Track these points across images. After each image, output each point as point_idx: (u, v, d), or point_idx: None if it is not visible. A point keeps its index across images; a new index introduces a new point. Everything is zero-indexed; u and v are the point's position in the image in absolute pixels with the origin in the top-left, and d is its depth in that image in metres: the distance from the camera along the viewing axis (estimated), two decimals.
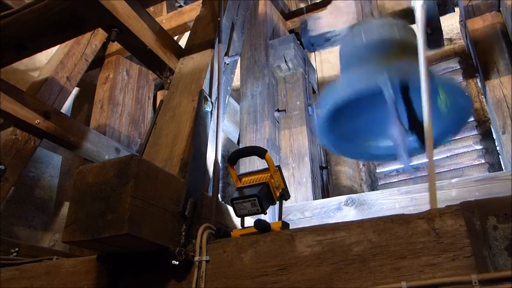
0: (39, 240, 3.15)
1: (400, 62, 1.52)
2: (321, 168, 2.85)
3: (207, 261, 1.25)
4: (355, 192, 2.90)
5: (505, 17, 2.38)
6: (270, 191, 1.45)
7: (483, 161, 3.05)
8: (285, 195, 1.49)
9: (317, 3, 3.35)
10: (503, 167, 2.51)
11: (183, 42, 2.31)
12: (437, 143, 1.65)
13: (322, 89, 3.14)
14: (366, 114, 1.68)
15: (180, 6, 3.81)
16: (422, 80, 1.29)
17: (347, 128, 1.73)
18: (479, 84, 3.20)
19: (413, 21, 1.78)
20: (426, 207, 1.11)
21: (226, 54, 2.16)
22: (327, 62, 3.58)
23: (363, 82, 1.51)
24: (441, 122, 1.53)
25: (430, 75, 1.34)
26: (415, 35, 1.64)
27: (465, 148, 3.16)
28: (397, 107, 1.51)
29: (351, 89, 1.49)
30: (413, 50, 1.49)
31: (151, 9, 3.82)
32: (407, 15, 1.92)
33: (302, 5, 3.61)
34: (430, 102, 1.26)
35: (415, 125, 1.60)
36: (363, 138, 1.79)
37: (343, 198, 2.19)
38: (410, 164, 1.66)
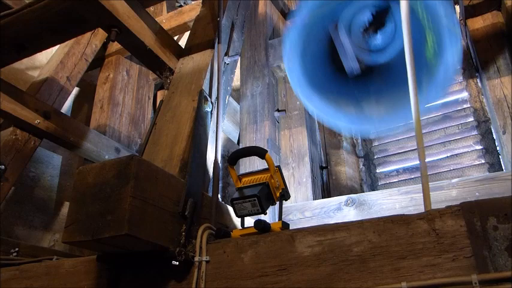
0: (39, 240, 3.15)
1: None
2: (321, 168, 2.85)
3: (207, 262, 1.25)
4: (355, 192, 2.90)
5: (505, 17, 2.38)
6: (270, 191, 1.45)
7: (483, 161, 3.05)
8: (285, 195, 1.48)
9: None
10: (503, 167, 2.51)
11: (183, 42, 2.31)
12: (439, 93, 1.61)
13: None
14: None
15: (180, 6, 3.81)
16: (410, 81, 1.28)
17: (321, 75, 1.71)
18: (479, 84, 3.20)
19: None
20: None
21: (226, 54, 2.16)
22: None
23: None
24: (434, 72, 1.49)
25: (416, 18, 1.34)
26: None
27: (465, 148, 3.16)
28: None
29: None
30: None
31: (151, 9, 3.82)
32: None
33: None
34: (416, 56, 1.26)
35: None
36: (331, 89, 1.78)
37: (343, 198, 2.19)
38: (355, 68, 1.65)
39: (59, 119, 2.76)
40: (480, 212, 0.99)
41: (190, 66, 2.03)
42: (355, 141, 3.76)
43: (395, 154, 3.47)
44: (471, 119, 3.22)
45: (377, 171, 3.52)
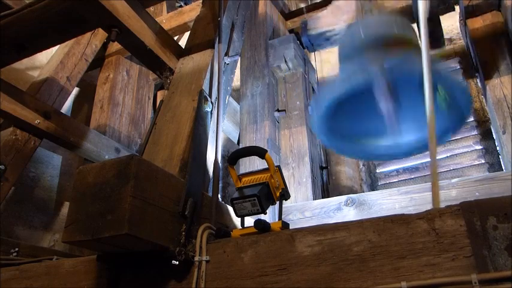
0: (39, 240, 3.15)
1: (398, 56, 1.51)
2: (321, 168, 2.85)
3: (207, 261, 1.25)
4: (355, 192, 2.90)
5: (505, 17, 2.38)
6: (270, 191, 1.45)
7: (483, 161, 3.05)
8: (285, 195, 1.48)
9: (317, 3, 3.35)
10: (503, 167, 2.51)
11: (183, 42, 2.31)
12: (437, 142, 1.64)
13: (320, 87, 3.15)
14: (365, 112, 1.68)
15: (180, 6, 3.80)
16: (425, 78, 1.28)
17: (346, 126, 1.73)
18: (479, 84, 3.20)
19: (411, 19, 1.77)
20: (426, 207, 1.11)
21: (226, 54, 2.16)
22: (327, 62, 3.57)
23: (359, 76, 1.50)
24: (440, 120, 1.51)
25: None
26: (413, 31, 1.63)
27: (465, 148, 3.16)
28: (389, 87, 1.51)
29: (348, 85, 1.49)
30: (411, 45, 1.47)
31: (151, 9, 3.82)
32: (406, 13, 1.91)
33: (302, 5, 3.60)
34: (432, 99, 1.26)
35: (413, 124, 1.59)
36: (362, 136, 1.79)
37: (343, 198, 2.19)
38: (398, 135, 1.67)
39: (59, 119, 2.76)
40: (480, 211, 0.99)
41: (191, 66, 2.03)
42: None
43: None
44: (471, 119, 3.22)
45: (377, 171, 3.52)
